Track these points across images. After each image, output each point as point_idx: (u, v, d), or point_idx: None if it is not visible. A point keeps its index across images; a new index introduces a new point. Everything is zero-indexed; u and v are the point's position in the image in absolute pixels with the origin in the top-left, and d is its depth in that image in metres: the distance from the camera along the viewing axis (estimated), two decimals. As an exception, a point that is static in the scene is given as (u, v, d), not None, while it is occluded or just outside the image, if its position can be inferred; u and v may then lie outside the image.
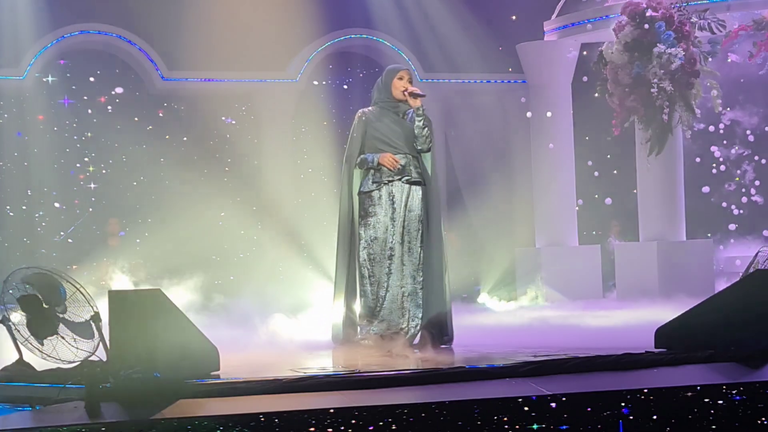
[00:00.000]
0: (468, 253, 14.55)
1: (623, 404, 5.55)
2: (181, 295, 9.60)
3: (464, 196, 15.58)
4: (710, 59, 12.37)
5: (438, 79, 16.13)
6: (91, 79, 15.33)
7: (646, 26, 11.99)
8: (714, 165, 13.39)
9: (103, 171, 15.38)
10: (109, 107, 15.39)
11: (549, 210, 14.09)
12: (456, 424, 5.29)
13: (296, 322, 9.44)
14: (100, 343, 6.34)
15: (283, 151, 15.63)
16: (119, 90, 15.37)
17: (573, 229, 14.19)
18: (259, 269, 13.82)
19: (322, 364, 7.45)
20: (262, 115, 15.79)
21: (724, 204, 13.56)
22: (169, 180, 15.41)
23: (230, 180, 15.55)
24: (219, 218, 15.53)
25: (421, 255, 8.11)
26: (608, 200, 13.59)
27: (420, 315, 8.10)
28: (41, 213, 15.11)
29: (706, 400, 5.62)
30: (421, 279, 8.10)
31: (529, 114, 14.22)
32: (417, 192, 8.16)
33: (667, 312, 7.99)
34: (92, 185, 15.36)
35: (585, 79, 12.98)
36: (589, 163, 13.68)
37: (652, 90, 12.11)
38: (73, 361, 6.38)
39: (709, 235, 13.65)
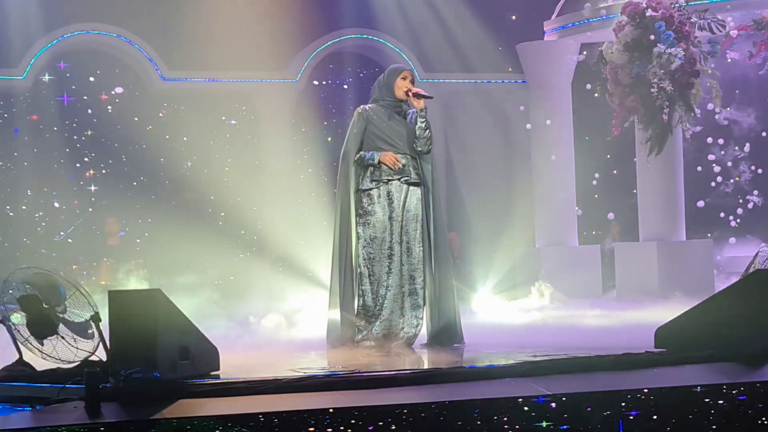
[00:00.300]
0: (468, 253, 14.56)
1: (623, 405, 5.55)
2: (181, 295, 9.59)
3: (464, 196, 15.58)
4: (710, 59, 12.37)
5: (438, 79, 16.13)
6: (91, 79, 15.33)
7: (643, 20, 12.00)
8: (712, 165, 13.38)
9: (103, 171, 15.39)
10: (109, 107, 15.39)
11: (549, 210, 14.08)
12: (456, 424, 5.29)
13: (296, 321, 9.45)
14: (100, 343, 6.34)
15: (283, 151, 15.64)
16: (119, 90, 15.37)
17: (573, 229, 14.18)
18: (259, 269, 13.82)
19: (322, 364, 7.45)
20: (262, 115, 15.80)
21: (722, 207, 13.56)
22: (170, 180, 15.42)
23: (230, 180, 15.55)
24: (219, 218, 15.54)
25: (421, 256, 8.10)
26: (611, 215, 13.60)
27: (420, 316, 8.09)
28: (41, 213, 15.11)
29: (707, 400, 5.62)
30: (421, 279, 8.09)
31: (528, 126, 14.18)
32: (415, 193, 8.15)
33: (667, 312, 7.99)
34: (92, 185, 15.37)
35: (589, 86, 12.95)
36: (596, 176, 13.68)
37: (652, 90, 12.11)
38: (73, 361, 6.38)
39: (709, 235, 13.65)
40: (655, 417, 5.40)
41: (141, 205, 15.19)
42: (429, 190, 8.19)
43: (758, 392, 5.74)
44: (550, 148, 13.98)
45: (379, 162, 8.08)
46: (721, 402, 5.59)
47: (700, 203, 12.91)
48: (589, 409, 5.44)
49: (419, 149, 8.16)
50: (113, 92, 15.40)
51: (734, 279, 9.93)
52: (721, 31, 12.36)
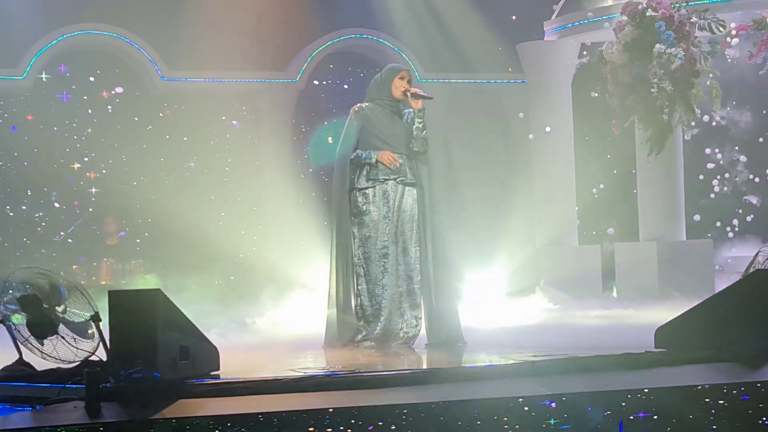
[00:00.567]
0: (468, 253, 14.54)
1: (623, 404, 5.55)
2: (181, 294, 9.60)
3: (464, 196, 15.58)
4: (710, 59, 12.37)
5: (438, 79, 16.13)
6: (91, 79, 15.34)
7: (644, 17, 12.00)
8: (709, 165, 13.38)
9: (103, 171, 15.39)
10: (109, 107, 15.39)
11: (549, 210, 14.08)
12: (456, 424, 5.29)
13: (296, 321, 9.45)
14: (100, 343, 6.34)
15: (283, 151, 15.64)
16: (119, 90, 15.38)
17: (573, 229, 14.18)
18: (259, 269, 13.82)
19: (322, 364, 7.45)
20: (262, 115, 15.80)
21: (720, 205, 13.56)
22: (169, 180, 15.43)
23: (230, 180, 15.56)
24: (219, 218, 15.54)
25: (417, 256, 8.08)
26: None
27: (419, 316, 8.09)
28: (41, 213, 15.11)
29: (707, 399, 5.62)
30: (419, 279, 8.08)
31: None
32: (411, 193, 8.14)
33: (667, 312, 7.98)
34: (92, 185, 15.37)
35: (594, 94, 12.94)
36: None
37: (652, 90, 12.11)
38: (73, 361, 6.37)
39: (709, 235, 13.65)
40: (655, 417, 5.39)
41: (141, 205, 15.19)
42: (425, 191, 8.17)
43: (758, 392, 5.74)
44: (550, 148, 13.97)
45: (377, 161, 8.06)
46: (721, 402, 5.59)
47: (696, 217, 12.91)
48: (589, 409, 5.43)
49: (415, 149, 8.14)
50: (113, 92, 15.40)
51: (734, 279, 9.92)
52: (721, 31, 12.35)
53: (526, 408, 5.44)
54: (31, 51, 14.78)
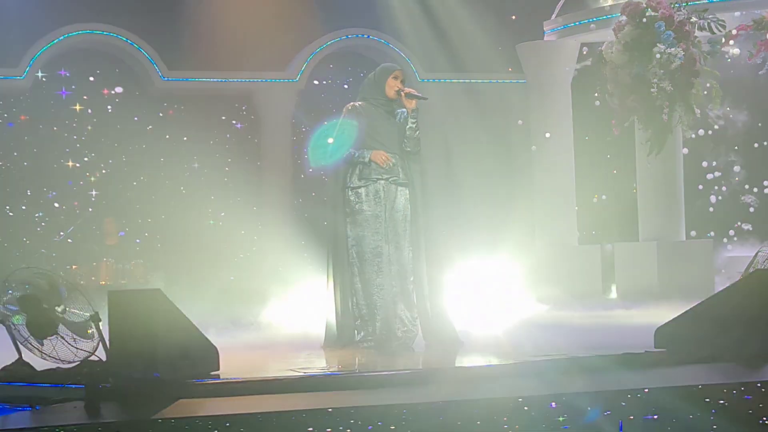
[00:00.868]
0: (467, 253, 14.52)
1: (623, 405, 5.55)
2: (181, 294, 9.58)
3: (463, 196, 15.57)
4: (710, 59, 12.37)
5: (438, 79, 16.13)
6: (91, 78, 15.34)
7: (644, 20, 11.99)
8: (707, 165, 13.38)
9: (103, 171, 15.40)
10: (109, 107, 15.40)
11: (549, 210, 14.07)
12: (456, 424, 5.29)
13: (296, 321, 9.44)
14: (100, 343, 6.34)
15: (283, 150, 15.64)
16: (119, 90, 15.38)
17: (573, 229, 14.18)
18: (259, 269, 13.82)
19: (322, 364, 7.45)
20: (262, 115, 15.81)
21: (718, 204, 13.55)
22: (169, 180, 15.43)
23: (230, 180, 15.56)
24: (219, 218, 15.55)
25: (411, 255, 8.07)
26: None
27: (416, 315, 8.07)
28: (41, 213, 15.12)
29: (707, 399, 5.62)
30: (413, 279, 8.06)
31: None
32: (403, 193, 8.12)
33: (667, 312, 7.98)
34: (92, 185, 15.38)
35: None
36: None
37: (652, 90, 12.10)
38: (73, 361, 6.38)
39: (710, 234, 13.63)
40: (656, 417, 5.40)
41: (141, 205, 15.20)
42: (417, 191, 8.15)
43: (759, 392, 5.74)
44: (550, 148, 13.97)
45: (370, 160, 8.05)
46: (721, 402, 5.60)
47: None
48: (588, 408, 5.44)
49: (407, 150, 8.13)
50: (113, 92, 15.40)
51: (734, 279, 9.92)
52: (721, 31, 12.35)
53: (526, 408, 5.44)
54: (31, 51, 14.78)
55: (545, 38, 14.33)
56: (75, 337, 6.49)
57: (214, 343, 6.47)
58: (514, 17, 15.53)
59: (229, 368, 6.48)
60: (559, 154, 13.99)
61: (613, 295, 13.20)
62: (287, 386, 5.98)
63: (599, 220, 15.03)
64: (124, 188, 15.30)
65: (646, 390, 5.71)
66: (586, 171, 14.54)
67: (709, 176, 13.23)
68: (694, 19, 12.26)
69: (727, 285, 7.70)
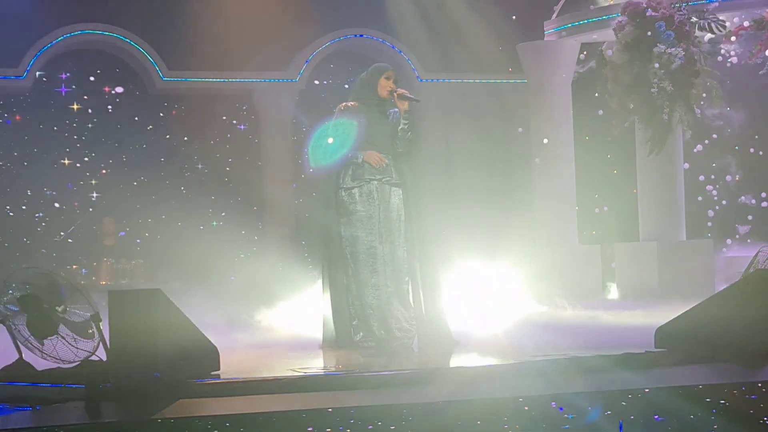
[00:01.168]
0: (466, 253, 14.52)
1: (623, 404, 5.55)
2: (182, 294, 9.58)
3: (463, 196, 15.58)
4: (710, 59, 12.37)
5: (438, 79, 16.13)
6: (91, 78, 15.35)
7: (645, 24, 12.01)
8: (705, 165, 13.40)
9: (103, 171, 15.40)
10: (109, 107, 15.41)
11: (549, 210, 14.07)
12: (456, 424, 5.29)
13: (296, 321, 9.44)
14: (100, 343, 6.34)
15: (283, 150, 15.64)
16: (119, 90, 15.39)
17: (573, 229, 14.17)
18: (259, 269, 13.81)
19: (322, 364, 7.44)
20: (263, 115, 15.81)
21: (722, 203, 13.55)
22: (169, 180, 15.43)
23: (231, 180, 15.56)
24: (219, 218, 15.55)
25: (405, 256, 8.06)
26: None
27: (413, 315, 8.07)
28: (41, 213, 15.12)
29: (707, 399, 5.62)
30: (408, 279, 8.05)
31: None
32: (397, 193, 8.11)
33: (667, 312, 7.98)
34: (92, 185, 15.38)
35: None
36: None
37: (652, 90, 12.11)
38: (73, 361, 6.38)
39: (708, 235, 13.64)
40: (656, 417, 5.40)
41: (141, 205, 15.21)
42: (410, 191, 8.15)
43: (759, 392, 5.74)
44: (550, 147, 13.97)
45: (363, 160, 8.04)
46: (722, 402, 5.60)
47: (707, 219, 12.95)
48: (589, 408, 5.44)
49: (399, 151, 8.11)
50: (113, 92, 15.40)
51: (734, 279, 9.92)
52: (721, 31, 12.35)
53: (526, 408, 5.44)
54: (31, 51, 14.78)
55: (545, 38, 14.33)
56: (75, 337, 6.49)
57: (214, 343, 6.47)
58: (514, 17, 15.53)
59: (229, 368, 6.47)
60: (559, 154, 13.99)
61: (613, 295, 13.20)
62: (287, 386, 5.98)
63: (599, 220, 15.03)
64: (124, 188, 15.31)
65: (646, 390, 5.71)
66: (586, 171, 14.53)
67: (709, 188, 13.24)
68: (694, 19, 12.26)
69: (727, 285, 7.69)
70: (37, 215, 15.08)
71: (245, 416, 5.29)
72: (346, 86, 16.15)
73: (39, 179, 15.10)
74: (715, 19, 12.29)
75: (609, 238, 14.32)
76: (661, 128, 12.33)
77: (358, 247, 8.00)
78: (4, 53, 14.63)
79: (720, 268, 13.19)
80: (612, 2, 13.26)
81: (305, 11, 15.27)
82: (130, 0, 15.04)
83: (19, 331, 6.54)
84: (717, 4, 12.24)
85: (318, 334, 8.34)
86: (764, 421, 5.38)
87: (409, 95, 8.13)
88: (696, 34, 12.30)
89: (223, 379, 6.20)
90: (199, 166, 15.41)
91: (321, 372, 6.68)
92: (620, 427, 5.22)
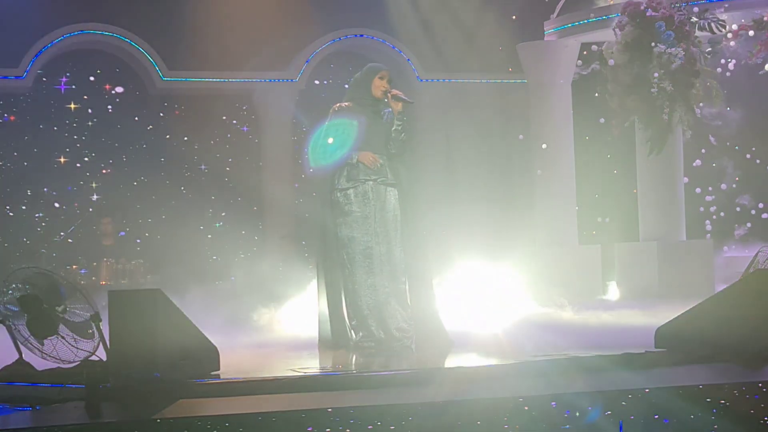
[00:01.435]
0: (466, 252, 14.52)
1: (623, 404, 5.55)
2: (181, 294, 9.58)
3: (464, 196, 15.58)
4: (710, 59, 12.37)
5: (438, 79, 16.13)
6: (91, 78, 15.35)
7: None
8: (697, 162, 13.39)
9: (103, 171, 15.40)
10: (109, 107, 15.41)
11: (549, 210, 14.07)
12: (456, 424, 5.29)
13: (296, 321, 9.44)
14: (100, 343, 6.34)
15: (283, 151, 15.64)
16: (119, 90, 15.39)
17: (573, 229, 14.17)
18: (259, 269, 13.81)
19: (322, 364, 7.44)
20: (263, 115, 15.81)
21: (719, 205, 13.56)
22: (170, 180, 15.44)
23: (231, 180, 15.57)
24: (220, 218, 15.55)
25: (402, 256, 8.05)
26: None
27: (411, 316, 8.07)
28: (41, 213, 15.12)
29: (707, 399, 5.62)
30: (404, 279, 8.05)
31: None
32: (393, 193, 8.10)
33: (667, 312, 7.98)
34: (92, 185, 15.38)
35: (602, 120, 12.94)
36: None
37: (652, 90, 12.11)
38: (73, 361, 6.38)
39: (708, 235, 13.64)
40: (656, 417, 5.40)
41: (141, 205, 15.21)
42: (405, 191, 8.14)
43: (759, 392, 5.74)
44: (550, 148, 13.96)
45: (357, 161, 8.04)
46: (722, 402, 5.59)
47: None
48: (589, 408, 5.44)
49: (392, 152, 8.11)
50: (113, 92, 15.41)
51: (734, 279, 9.92)
52: (721, 31, 12.35)
53: (526, 408, 5.44)
54: (31, 51, 14.78)
55: (545, 38, 14.33)
56: (75, 337, 6.49)
57: (214, 343, 6.47)
58: (514, 17, 15.52)
59: (229, 368, 6.48)
60: (559, 154, 13.99)
61: (613, 295, 13.20)
62: (287, 386, 5.98)
63: (599, 219, 15.03)
64: (125, 188, 15.31)
65: (647, 390, 5.71)
66: (586, 171, 14.53)
67: (709, 198, 13.25)
68: (694, 19, 12.26)
69: (727, 285, 7.69)
70: (37, 215, 15.08)
71: (245, 416, 5.29)
72: (347, 86, 16.14)
73: (39, 179, 15.10)
74: (715, 19, 12.29)
75: (609, 238, 14.32)
76: (661, 128, 12.32)
77: (355, 247, 8.00)
78: (4, 53, 14.62)
79: (720, 268, 13.19)
80: (612, 2, 13.25)
81: (305, 11, 15.27)
82: (130, 0, 15.04)
83: (19, 331, 6.54)
84: (723, 9, 12.24)
85: (317, 335, 8.35)
86: (764, 421, 5.38)
87: (402, 96, 8.12)
88: (696, 34, 12.31)
89: (223, 379, 6.20)
90: (203, 167, 15.41)
91: (321, 372, 6.68)
92: (620, 427, 5.22)
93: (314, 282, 8.67)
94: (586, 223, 14.86)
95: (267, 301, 10.36)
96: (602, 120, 12.86)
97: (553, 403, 5.50)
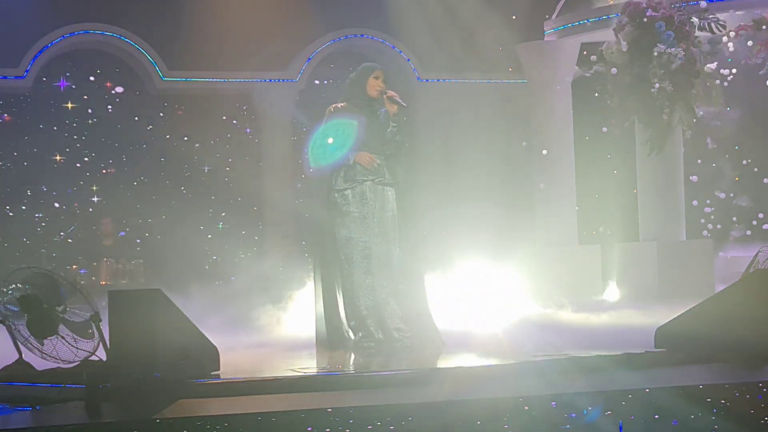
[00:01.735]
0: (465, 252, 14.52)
1: (623, 404, 5.55)
2: (181, 294, 9.58)
3: (464, 196, 15.57)
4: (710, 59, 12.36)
5: (438, 79, 16.13)
6: (91, 78, 15.35)
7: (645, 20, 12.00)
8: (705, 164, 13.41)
9: (103, 171, 15.40)
10: (109, 107, 15.41)
11: (549, 210, 14.07)
12: (456, 424, 5.29)
13: (296, 321, 9.44)
14: (100, 343, 6.34)
15: (283, 150, 15.64)
16: (119, 90, 15.39)
17: (573, 229, 14.17)
18: (259, 269, 13.83)
19: (322, 364, 7.45)
20: (263, 115, 15.81)
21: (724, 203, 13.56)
22: (170, 180, 15.44)
23: (231, 180, 15.56)
24: (220, 218, 15.55)
25: (401, 256, 8.06)
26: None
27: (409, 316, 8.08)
28: (41, 213, 15.12)
29: (708, 399, 5.62)
30: (403, 279, 8.05)
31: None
32: (391, 193, 8.11)
33: (667, 312, 7.98)
34: (92, 185, 15.38)
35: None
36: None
37: (652, 90, 12.11)
38: (73, 361, 6.38)
39: (708, 234, 13.64)
40: (656, 416, 5.40)
41: (141, 205, 15.21)
42: (402, 191, 8.15)
43: (760, 392, 5.74)
44: (550, 148, 13.97)
45: (354, 162, 8.04)
46: (722, 402, 5.60)
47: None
48: (589, 408, 5.44)
49: (388, 153, 8.12)
50: (113, 92, 15.41)
51: (734, 279, 9.92)
52: (721, 31, 12.34)
53: (526, 408, 5.44)
54: (31, 51, 14.78)
55: (545, 38, 14.32)
56: (75, 337, 6.50)
57: (214, 343, 6.47)
58: (514, 17, 15.52)
59: (229, 368, 6.48)
60: (559, 155, 13.98)
61: (613, 295, 13.19)
62: (287, 386, 5.98)
63: (599, 220, 15.03)
64: (125, 188, 15.31)
65: (647, 390, 5.71)
66: (586, 171, 14.52)
67: (712, 203, 13.26)
68: (694, 19, 12.25)
69: (727, 285, 7.69)
70: (37, 215, 15.08)
71: (245, 416, 5.30)
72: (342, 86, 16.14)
73: (39, 179, 15.10)
74: (715, 19, 12.29)
75: (609, 238, 14.33)
76: (661, 128, 12.32)
77: (353, 248, 8.00)
78: (4, 53, 14.62)
79: (720, 268, 13.19)
80: (612, 2, 13.25)
81: (305, 11, 15.26)
82: (130, 0, 15.03)
83: (19, 331, 6.54)
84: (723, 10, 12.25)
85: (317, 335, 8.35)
86: (765, 421, 5.38)
87: (397, 99, 8.11)
88: (696, 34, 12.30)
89: (223, 379, 6.21)
90: (206, 168, 15.41)
91: (320, 372, 6.68)
92: (620, 428, 5.22)
93: (313, 282, 8.68)
94: (586, 223, 14.86)
95: (267, 301, 10.37)
96: (605, 129, 12.88)
97: (553, 403, 5.50)
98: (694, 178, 12.73)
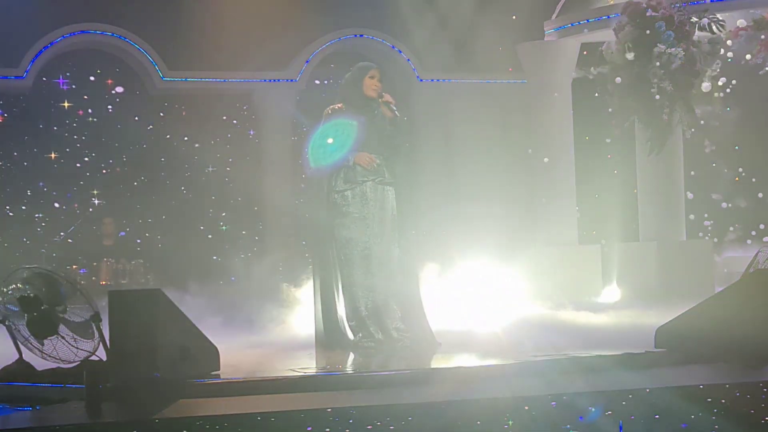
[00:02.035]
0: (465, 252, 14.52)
1: (623, 404, 5.55)
2: (181, 294, 9.59)
3: (464, 196, 15.57)
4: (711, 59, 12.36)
5: (438, 80, 16.13)
6: (91, 78, 15.34)
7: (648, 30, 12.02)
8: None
9: (103, 171, 15.40)
10: (110, 107, 15.41)
11: (549, 210, 14.07)
12: (456, 424, 5.29)
13: (296, 321, 9.45)
14: (100, 343, 6.34)
15: (283, 150, 15.64)
16: (119, 90, 15.39)
17: (574, 229, 14.17)
18: (259, 269, 13.83)
19: (322, 364, 7.45)
20: (263, 115, 15.80)
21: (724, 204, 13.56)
22: (170, 180, 15.44)
23: (231, 180, 15.56)
24: (220, 218, 15.55)
25: (400, 256, 8.06)
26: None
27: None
28: (41, 213, 15.12)
29: (708, 399, 5.62)
30: (401, 279, 8.06)
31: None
32: (391, 192, 8.12)
33: (667, 312, 7.98)
34: (92, 185, 15.38)
35: (608, 140, 12.96)
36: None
37: (653, 90, 12.11)
38: (73, 361, 6.38)
39: (707, 234, 13.64)
40: (656, 416, 5.40)
41: (141, 205, 15.21)
42: (402, 190, 8.15)
43: (759, 392, 5.74)
44: (550, 148, 13.96)
45: (354, 162, 8.04)
46: (722, 402, 5.60)
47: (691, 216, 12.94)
48: (590, 408, 5.44)
49: (385, 153, 8.13)
50: (113, 92, 15.41)
51: (734, 279, 9.92)
52: (721, 31, 12.34)
53: (526, 408, 5.44)
54: (31, 51, 14.77)
55: (545, 38, 14.32)
56: (75, 337, 6.50)
57: (214, 343, 6.47)
58: (514, 17, 15.51)
59: (229, 368, 6.48)
60: (559, 155, 13.98)
61: (613, 295, 13.19)
62: (287, 386, 5.99)
63: (599, 220, 15.02)
64: (125, 188, 15.31)
65: (647, 390, 5.71)
66: (586, 171, 14.52)
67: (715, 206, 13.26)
68: (694, 19, 12.25)
69: (727, 285, 7.70)
70: (37, 215, 15.08)
71: (245, 416, 5.30)
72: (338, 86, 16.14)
73: (39, 179, 15.10)
74: (715, 19, 12.28)
75: (609, 238, 14.32)
76: (661, 128, 12.32)
77: (352, 248, 8.01)
78: (4, 53, 14.62)
79: (720, 268, 13.19)
80: (612, 2, 13.25)
81: (305, 11, 15.26)
82: (130, 0, 15.03)
83: (19, 331, 6.54)
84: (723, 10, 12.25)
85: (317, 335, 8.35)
86: (765, 421, 5.38)
87: (392, 107, 8.10)
88: (696, 34, 12.30)
89: (223, 379, 6.21)
90: (209, 169, 15.41)
91: (320, 372, 6.68)
92: (620, 428, 5.22)
93: (313, 282, 8.68)
94: (586, 223, 14.86)
95: (267, 301, 10.37)
96: (609, 140, 12.91)
97: (553, 403, 5.50)
98: (693, 172, 12.73)
